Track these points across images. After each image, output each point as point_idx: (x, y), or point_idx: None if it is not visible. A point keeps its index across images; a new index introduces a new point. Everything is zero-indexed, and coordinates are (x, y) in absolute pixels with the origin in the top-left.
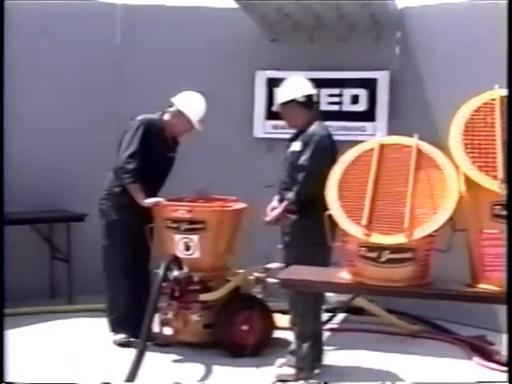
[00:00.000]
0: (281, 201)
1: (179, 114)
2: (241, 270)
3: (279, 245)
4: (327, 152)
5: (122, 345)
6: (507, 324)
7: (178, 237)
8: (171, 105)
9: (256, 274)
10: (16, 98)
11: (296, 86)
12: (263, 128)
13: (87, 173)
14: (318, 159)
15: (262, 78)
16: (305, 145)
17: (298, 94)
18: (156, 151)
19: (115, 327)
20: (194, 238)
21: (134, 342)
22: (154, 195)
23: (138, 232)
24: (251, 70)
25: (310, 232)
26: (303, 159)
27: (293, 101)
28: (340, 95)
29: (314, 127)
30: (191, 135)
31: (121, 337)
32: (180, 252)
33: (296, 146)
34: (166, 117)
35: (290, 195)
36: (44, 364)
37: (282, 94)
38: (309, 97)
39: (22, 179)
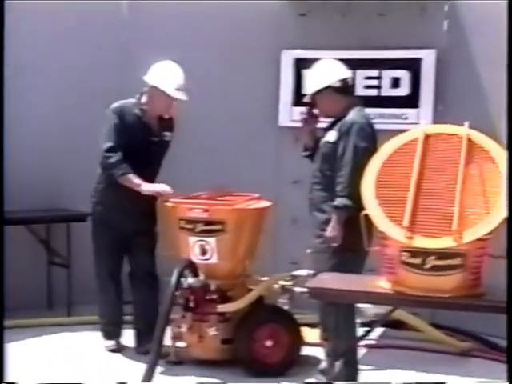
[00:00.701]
0: (312, 203)
1: (154, 89)
2: (264, 278)
3: (308, 249)
4: (370, 144)
5: (113, 351)
6: (507, 324)
7: (192, 239)
8: (145, 84)
9: (281, 283)
10: (17, 92)
11: (329, 69)
12: (290, 115)
13: (90, 168)
14: (361, 152)
15: (288, 58)
16: (341, 135)
17: (333, 78)
18: (136, 138)
19: (105, 333)
20: (211, 240)
21: (125, 347)
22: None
23: (128, 233)
24: (276, 50)
25: (343, 234)
26: (342, 153)
27: (327, 88)
28: (378, 78)
29: (353, 115)
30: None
31: (111, 343)
32: (195, 256)
33: (331, 135)
34: (144, 98)
35: (337, 202)
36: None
37: (314, 82)
38: (344, 81)
39: (17, 174)
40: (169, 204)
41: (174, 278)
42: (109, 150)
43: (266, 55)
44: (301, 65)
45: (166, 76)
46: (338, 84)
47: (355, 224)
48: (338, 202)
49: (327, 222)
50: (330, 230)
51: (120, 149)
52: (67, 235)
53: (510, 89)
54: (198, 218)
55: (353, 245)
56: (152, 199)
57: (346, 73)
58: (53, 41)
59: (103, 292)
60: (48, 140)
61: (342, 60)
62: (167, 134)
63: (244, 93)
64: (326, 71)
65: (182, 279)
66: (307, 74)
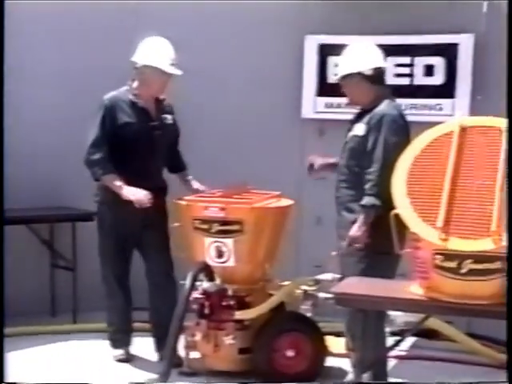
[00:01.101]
0: (339, 202)
1: (145, 69)
2: (285, 282)
3: (334, 251)
4: (402, 138)
5: (122, 361)
6: (507, 325)
7: (208, 240)
8: (135, 65)
9: (304, 287)
10: (17, 84)
11: (363, 54)
12: (314, 106)
13: None
14: (392, 147)
15: (312, 44)
16: (370, 128)
17: (365, 65)
18: (134, 126)
19: (113, 342)
20: (228, 241)
21: (134, 357)
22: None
23: (135, 232)
24: (299, 35)
25: (372, 235)
26: (371, 148)
27: (356, 74)
28: (411, 65)
29: (383, 106)
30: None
31: (119, 352)
32: (211, 259)
33: (359, 129)
34: (135, 83)
35: (365, 201)
36: None
37: (346, 64)
38: (378, 70)
39: (18, 170)
40: (182, 202)
41: (187, 283)
42: (92, 145)
43: (288, 41)
44: (326, 51)
45: (156, 52)
46: (369, 72)
47: (385, 225)
48: (366, 201)
49: (355, 222)
50: (355, 230)
51: (105, 144)
52: (72, 235)
53: (510, 89)
54: (214, 217)
55: (382, 247)
56: (160, 192)
57: (382, 62)
58: (52, 43)
59: (111, 297)
60: (52, 133)
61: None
62: (168, 116)
63: (264, 82)
64: (360, 56)
65: (197, 283)
66: (341, 57)
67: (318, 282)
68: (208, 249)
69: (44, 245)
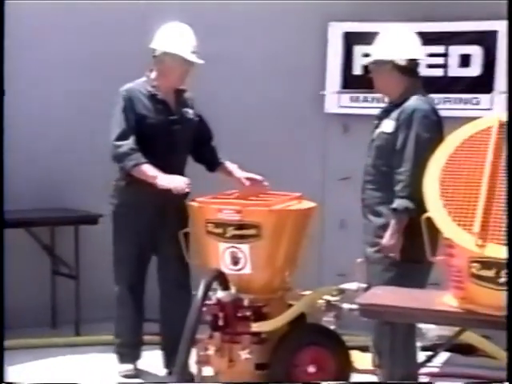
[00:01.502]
0: (365, 205)
1: (164, 56)
2: (306, 292)
3: (359, 258)
4: (435, 134)
5: (129, 376)
6: (507, 325)
7: (222, 246)
8: (153, 53)
9: (327, 298)
10: (18, 82)
11: (399, 42)
12: (338, 101)
13: (102, 162)
14: (425, 144)
15: (336, 32)
16: (400, 124)
17: (399, 54)
18: (153, 120)
19: (120, 356)
20: (244, 247)
21: (142, 372)
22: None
23: (156, 238)
24: (322, 22)
25: (402, 241)
26: (401, 145)
27: (388, 62)
28: (444, 55)
29: (414, 101)
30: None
31: (127, 367)
32: (225, 266)
33: (387, 125)
34: (154, 73)
35: (396, 204)
36: None
37: (378, 50)
38: (413, 62)
39: (16, 168)
40: (194, 204)
41: (200, 292)
42: (118, 137)
43: (310, 29)
44: (351, 40)
45: (176, 38)
46: (402, 63)
47: (417, 229)
48: (398, 203)
49: (384, 227)
50: (388, 238)
51: (131, 135)
52: (75, 240)
53: (510, 89)
54: (229, 220)
55: (413, 254)
56: (185, 196)
57: (419, 53)
58: (56, 39)
59: (121, 306)
60: (53, 129)
61: None
62: (188, 110)
63: (283, 74)
64: (395, 43)
65: (210, 293)
66: (381, 36)
67: (341, 291)
68: (222, 255)
69: (44, 250)
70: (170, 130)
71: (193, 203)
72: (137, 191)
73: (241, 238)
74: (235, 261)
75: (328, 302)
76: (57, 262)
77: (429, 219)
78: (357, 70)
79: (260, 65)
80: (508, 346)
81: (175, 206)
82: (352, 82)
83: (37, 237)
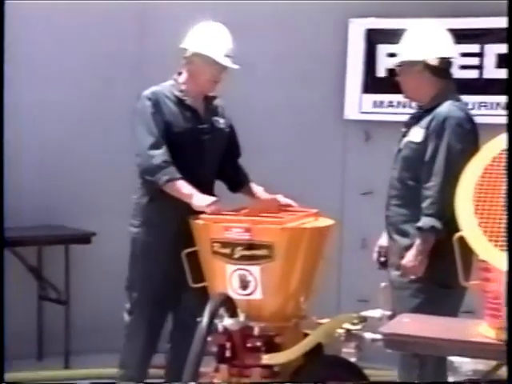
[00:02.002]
0: (390, 223)
1: (195, 57)
2: (324, 320)
3: (383, 282)
4: (469, 145)
5: None
6: (507, 325)
7: (230, 268)
8: (183, 53)
9: (347, 326)
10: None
11: (429, 39)
12: (359, 105)
13: (94, 174)
14: (458, 156)
15: (358, 29)
16: (431, 133)
17: (431, 53)
18: (180, 130)
19: None
20: (255, 269)
21: None
22: (203, 193)
23: (177, 261)
24: (342, 19)
25: (430, 264)
26: (431, 157)
27: (419, 62)
28: (480, 55)
29: (447, 106)
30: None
31: None
32: (233, 290)
33: (416, 133)
34: (183, 76)
35: (422, 222)
36: None
37: (407, 49)
38: (445, 61)
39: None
40: (199, 221)
41: (204, 319)
42: (151, 147)
43: (328, 26)
44: (374, 38)
45: (211, 39)
46: (435, 62)
47: (447, 251)
48: (424, 222)
49: (410, 248)
50: (410, 258)
51: (163, 144)
52: (65, 261)
53: (510, 89)
54: (238, 239)
55: (443, 278)
56: None
57: (451, 50)
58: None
59: (132, 338)
60: (40, 138)
61: None
62: (219, 119)
63: (299, 76)
64: (425, 40)
65: (216, 320)
66: (407, 35)
67: (363, 319)
68: (230, 278)
69: (30, 272)
70: (199, 140)
71: (197, 221)
72: (161, 208)
73: (250, 260)
74: (244, 284)
75: (348, 331)
76: (44, 285)
77: (461, 239)
78: (380, 72)
79: (272, 66)
80: (508, 346)
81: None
82: (375, 85)
83: (22, 257)
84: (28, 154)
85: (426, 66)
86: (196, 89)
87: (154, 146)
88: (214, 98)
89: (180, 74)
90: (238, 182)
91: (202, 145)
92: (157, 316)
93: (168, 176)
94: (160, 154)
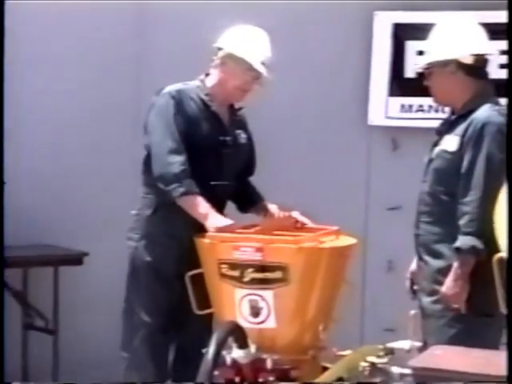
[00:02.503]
0: (420, 242)
1: (230, 60)
2: (345, 352)
3: (413, 310)
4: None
5: None
6: (507, 325)
7: (239, 292)
8: (216, 54)
9: (371, 359)
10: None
11: (462, 36)
12: (385, 110)
13: (89, 187)
14: (499, 167)
15: (384, 23)
16: (467, 141)
17: (464, 50)
18: (202, 138)
19: None
20: (267, 294)
21: None
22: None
23: (181, 286)
24: (366, 12)
25: (467, 288)
26: (468, 168)
27: (451, 62)
28: None
29: (485, 111)
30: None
31: None
32: (243, 318)
33: (450, 142)
34: (211, 79)
35: (460, 242)
36: None
37: (436, 47)
38: (480, 57)
39: None
40: (205, 240)
41: (211, 350)
42: (171, 151)
43: (351, 20)
44: (402, 33)
45: (250, 43)
46: (469, 60)
47: (487, 274)
48: (462, 241)
49: (444, 271)
50: (450, 285)
51: (184, 150)
52: (54, 285)
53: (510, 90)
54: (248, 260)
55: (482, 305)
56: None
57: (487, 46)
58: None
59: (136, 371)
60: (32, 150)
61: None
62: (242, 133)
63: (318, 77)
64: (457, 37)
65: (224, 352)
66: (433, 33)
67: (390, 351)
68: (239, 304)
69: (14, 298)
70: (220, 153)
71: (203, 239)
72: (166, 222)
73: (262, 283)
74: (255, 311)
75: (373, 364)
76: (30, 312)
77: (502, 261)
78: (409, 72)
79: (288, 67)
80: (508, 346)
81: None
82: (403, 87)
83: (5, 281)
84: (15, 167)
85: (460, 65)
86: (224, 95)
87: (174, 152)
88: (240, 108)
89: (208, 75)
90: (250, 201)
91: (221, 158)
92: (161, 343)
93: (185, 188)
94: (179, 162)
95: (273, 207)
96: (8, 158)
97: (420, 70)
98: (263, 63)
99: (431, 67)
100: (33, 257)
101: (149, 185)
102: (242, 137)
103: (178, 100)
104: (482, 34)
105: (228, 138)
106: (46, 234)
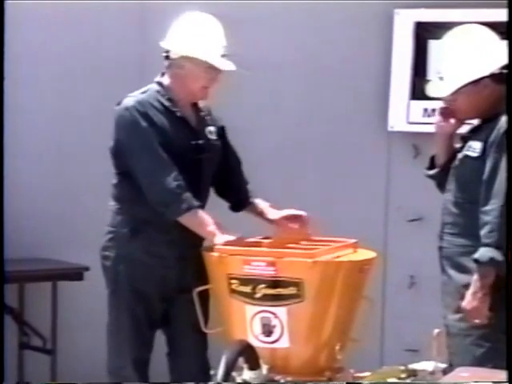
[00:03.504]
0: (444, 256)
1: (184, 61)
2: (364, 374)
3: (437, 329)
4: None
5: None
6: (507, 323)
7: (251, 310)
8: (167, 54)
9: (393, 381)
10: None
11: (486, 45)
12: (406, 114)
13: (88, 198)
14: None
15: (404, 22)
16: (490, 146)
17: (495, 62)
18: (174, 146)
19: None
20: (280, 311)
21: None
22: None
23: (167, 297)
24: (386, 10)
25: (495, 306)
26: (490, 175)
27: (486, 77)
28: None
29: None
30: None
31: None
32: (255, 337)
33: (473, 147)
34: (167, 79)
35: (480, 253)
36: None
37: (462, 66)
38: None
39: None
40: (213, 254)
41: (220, 372)
42: (158, 169)
43: (369, 18)
44: (424, 32)
45: (200, 37)
46: (499, 71)
47: None
48: (482, 253)
49: (474, 284)
50: (469, 298)
51: (174, 166)
52: (52, 302)
53: (510, 90)
54: (260, 275)
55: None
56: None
57: (504, 50)
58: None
59: None
60: (31, 157)
61: (487, 25)
62: (211, 128)
63: (334, 80)
64: (479, 51)
65: (234, 373)
66: (444, 48)
67: (412, 373)
68: (251, 322)
69: (10, 315)
70: (196, 160)
71: (211, 253)
72: (147, 242)
73: (275, 300)
74: (268, 330)
75: None
76: (26, 331)
77: None
78: (432, 73)
79: (302, 68)
80: (508, 346)
81: (196, 261)
82: (425, 89)
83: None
84: (13, 177)
85: (493, 78)
86: (186, 96)
87: (163, 169)
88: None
89: (163, 75)
90: (241, 199)
91: (199, 164)
92: (143, 364)
93: (186, 205)
94: (172, 178)
95: (265, 205)
96: (7, 169)
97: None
98: (223, 55)
99: (458, 90)
100: (30, 271)
101: (121, 200)
102: (213, 131)
103: (144, 112)
104: (497, 38)
105: (200, 142)
106: (43, 246)
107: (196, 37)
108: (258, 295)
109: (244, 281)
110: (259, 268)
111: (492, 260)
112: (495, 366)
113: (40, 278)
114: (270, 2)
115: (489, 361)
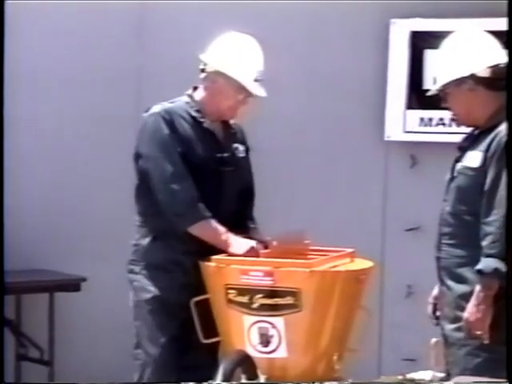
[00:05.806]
0: (442, 266)
1: (219, 78)
2: (362, 382)
3: (434, 338)
4: None
5: None
6: (507, 323)
7: (248, 320)
8: (203, 68)
9: None
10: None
11: (473, 47)
12: (403, 123)
13: (86, 207)
14: None
15: (400, 31)
16: (490, 157)
17: (479, 63)
18: (197, 158)
19: None
20: (278, 321)
21: None
22: None
23: (187, 314)
24: (382, 20)
25: (495, 317)
26: (492, 186)
27: (468, 77)
28: None
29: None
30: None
31: None
32: (252, 347)
33: (473, 157)
34: (200, 93)
35: (483, 264)
36: None
37: (447, 66)
38: (497, 68)
39: None
40: (210, 264)
41: (218, 380)
42: (174, 178)
43: (365, 28)
44: (420, 42)
45: (239, 57)
46: (486, 73)
47: None
48: (485, 264)
49: (468, 296)
50: (471, 310)
51: (189, 176)
52: (49, 313)
53: (510, 89)
54: (257, 285)
55: (508, 333)
56: None
57: (500, 55)
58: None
59: None
60: (32, 170)
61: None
62: (239, 146)
63: (331, 89)
64: (469, 50)
65: (233, 383)
66: (438, 52)
67: (410, 382)
68: (248, 332)
69: (7, 327)
70: (219, 172)
71: (208, 263)
72: (166, 249)
73: (273, 310)
74: (265, 340)
75: None
76: (24, 342)
77: None
78: (428, 83)
79: (301, 78)
80: (508, 345)
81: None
82: (422, 99)
83: None
84: (12, 188)
85: (478, 80)
86: (215, 112)
87: (178, 176)
88: (233, 122)
89: (196, 88)
90: (242, 222)
91: (221, 178)
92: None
93: (197, 215)
94: (185, 187)
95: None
96: (5, 180)
97: (436, 92)
98: (256, 80)
99: (446, 88)
100: (26, 282)
101: (144, 213)
102: (240, 150)
103: (169, 120)
104: (495, 43)
105: (226, 155)
106: (40, 258)
107: (234, 55)
108: (255, 305)
109: (241, 291)
110: (256, 278)
111: (496, 271)
112: (493, 376)
113: (37, 289)
114: (268, 13)
115: (486, 370)
